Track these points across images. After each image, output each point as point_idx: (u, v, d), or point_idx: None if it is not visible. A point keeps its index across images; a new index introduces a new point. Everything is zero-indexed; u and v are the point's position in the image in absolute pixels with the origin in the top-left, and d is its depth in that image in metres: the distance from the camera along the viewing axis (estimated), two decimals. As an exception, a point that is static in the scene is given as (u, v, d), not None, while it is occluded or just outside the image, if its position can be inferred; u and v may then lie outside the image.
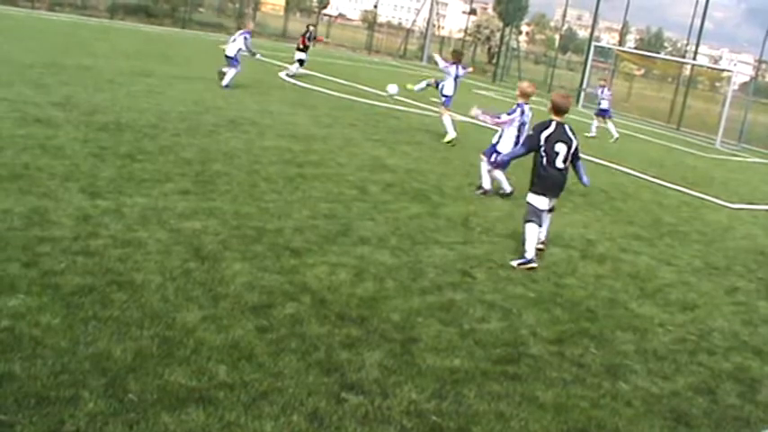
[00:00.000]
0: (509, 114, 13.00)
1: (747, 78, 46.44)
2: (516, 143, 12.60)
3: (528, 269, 9.27)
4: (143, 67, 23.01)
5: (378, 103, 24.56)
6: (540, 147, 9.60)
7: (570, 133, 9.75)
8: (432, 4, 63.26)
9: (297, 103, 20.79)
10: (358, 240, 9.20)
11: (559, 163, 9.66)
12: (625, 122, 37.79)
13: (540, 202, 9.78)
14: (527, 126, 12.94)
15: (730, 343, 8.23)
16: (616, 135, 27.10)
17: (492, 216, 11.71)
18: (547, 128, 9.63)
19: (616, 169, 19.61)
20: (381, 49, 62.21)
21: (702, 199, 17.28)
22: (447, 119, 18.50)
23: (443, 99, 18.42)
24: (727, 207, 17.07)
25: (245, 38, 22.51)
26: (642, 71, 61.39)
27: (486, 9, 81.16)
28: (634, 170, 19.95)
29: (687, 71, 45.41)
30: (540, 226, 9.78)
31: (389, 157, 15.01)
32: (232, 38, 22.91)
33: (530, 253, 9.39)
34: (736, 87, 40.77)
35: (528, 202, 9.86)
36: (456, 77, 18.48)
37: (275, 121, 17.06)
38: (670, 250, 11.80)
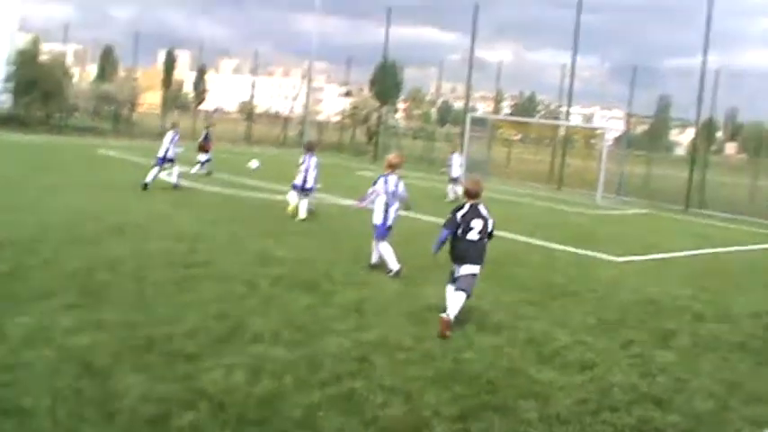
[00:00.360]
0: (373, 185, 14.21)
1: (619, 133, 48.04)
2: (385, 212, 13.94)
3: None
4: (20, 179, 22.55)
5: (262, 195, 24.57)
6: (459, 225, 10.69)
7: (485, 212, 10.94)
8: (307, 91, 63.90)
9: (181, 203, 20.63)
10: (252, 338, 9.08)
11: (473, 235, 10.72)
12: (507, 188, 38.57)
13: (454, 268, 10.78)
14: (396, 196, 14.12)
15: (631, 396, 8.37)
16: (452, 197, 28.08)
17: (384, 298, 11.72)
18: (461, 208, 10.86)
19: (504, 236, 19.91)
20: (261, 139, 62.45)
21: (590, 256, 17.66)
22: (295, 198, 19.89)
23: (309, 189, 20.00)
24: (614, 261, 17.48)
25: (173, 137, 24.63)
26: (519, 136, 63.07)
27: (361, 90, 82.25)
28: (522, 235, 20.30)
29: (562, 131, 46.71)
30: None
31: (277, 248, 14.95)
32: (168, 140, 24.68)
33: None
34: (610, 143, 42.23)
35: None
36: (312, 167, 20.22)
37: (160, 223, 16.86)
38: (563, 311, 11.98)
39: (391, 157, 14.79)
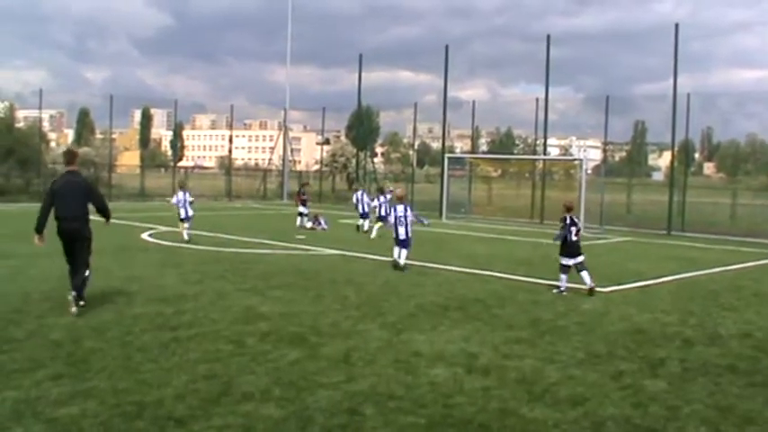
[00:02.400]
0: (405, 212, 21.40)
1: (598, 161, 48.38)
2: (406, 228, 21.24)
3: None
4: (1, 249, 22.48)
5: (245, 249, 24.58)
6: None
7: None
8: (285, 142, 64.04)
9: (163, 264, 20.59)
10: (241, 397, 9.05)
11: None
12: (490, 225, 38.69)
13: None
14: (408, 219, 21.33)
15: (624, 429, 8.38)
16: (372, 236, 29.86)
17: (372, 347, 11.70)
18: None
19: (488, 275, 19.97)
20: (241, 193, 62.47)
21: (575, 289, 17.71)
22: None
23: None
24: (599, 292, 17.52)
25: (184, 196, 27.42)
26: (499, 172, 63.25)
27: (339, 137, 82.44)
28: (505, 273, 20.36)
29: (541, 165, 46.90)
30: None
31: (262, 304, 14.93)
32: (181, 199, 27.40)
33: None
34: (589, 172, 42.46)
35: None
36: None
37: (143, 285, 16.82)
38: (552, 347, 11.99)
39: (398, 191, 23.19)
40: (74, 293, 13.71)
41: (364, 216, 33.43)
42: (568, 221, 17.61)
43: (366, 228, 32.52)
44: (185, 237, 26.58)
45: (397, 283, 18.08)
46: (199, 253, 23.42)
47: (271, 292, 16.31)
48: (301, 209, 34.70)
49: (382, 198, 32.14)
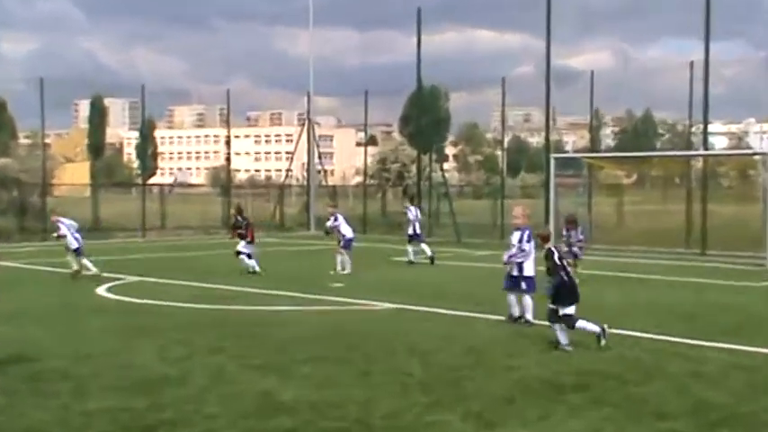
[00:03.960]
0: (519, 242, 21.35)
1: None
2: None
3: None
4: None
5: (254, 306, 24.67)
6: None
7: None
8: (309, 143, 64.07)
9: (130, 330, 20.70)
10: None
11: None
12: (621, 259, 38.38)
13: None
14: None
15: None
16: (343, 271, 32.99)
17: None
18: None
19: (623, 335, 19.83)
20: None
21: (763, 355, 17.48)
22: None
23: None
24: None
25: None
26: (633, 177, 62.75)
27: (389, 134, 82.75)
28: (651, 332, 20.18)
29: (700, 163, 46.30)
30: None
31: (283, 388, 14.94)
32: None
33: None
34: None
35: None
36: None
37: (100, 365, 16.90)
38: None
39: (518, 210, 22.65)
40: None
41: (414, 238, 37.29)
42: (556, 257, 18.95)
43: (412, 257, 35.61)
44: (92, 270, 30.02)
45: (484, 349, 18.02)
46: (185, 313, 23.55)
47: (295, 369, 16.33)
48: (242, 246, 34.64)
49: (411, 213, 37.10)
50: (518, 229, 21.82)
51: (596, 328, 18.29)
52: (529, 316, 21.06)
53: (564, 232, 30.88)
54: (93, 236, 54.96)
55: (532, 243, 21.35)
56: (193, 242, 49.45)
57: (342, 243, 34.01)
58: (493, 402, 13.85)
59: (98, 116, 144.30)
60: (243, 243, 34.29)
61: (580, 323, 18.28)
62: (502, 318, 21.30)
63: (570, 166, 47.67)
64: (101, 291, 28.22)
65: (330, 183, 75.83)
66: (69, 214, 58.47)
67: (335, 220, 34.77)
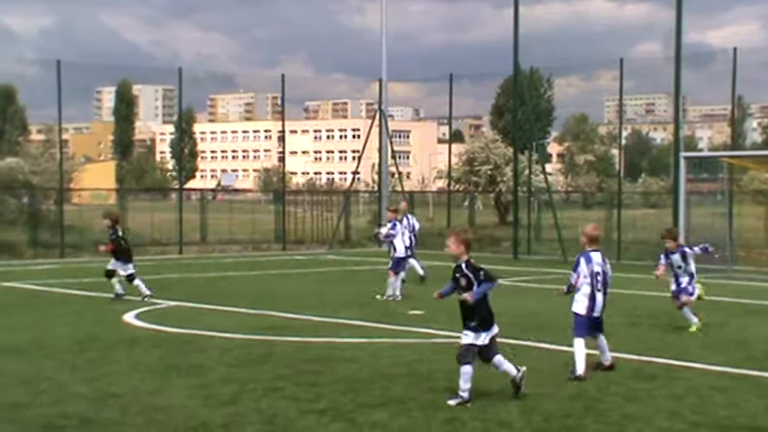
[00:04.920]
0: (575, 269, 20.54)
1: None
2: (592, 299, 20.23)
3: None
4: None
5: (315, 337, 24.72)
6: None
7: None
8: (381, 139, 64.11)
9: (167, 368, 20.78)
10: None
11: None
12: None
13: None
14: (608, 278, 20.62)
15: None
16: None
17: None
18: None
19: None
20: (305, 234, 62.76)
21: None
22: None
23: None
24: None
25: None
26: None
27: (479, 128, 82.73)
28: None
29: None
30: None
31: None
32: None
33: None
34: None
35: None
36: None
37: (128, 410, 16.94)
38: None
39: (589, 228, 20.96)
40: None
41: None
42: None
43: None
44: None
45: (597, 393, 17.92)
46: (232, 346, 23.62)
47: (367, 416, 16.32)
48: (115, 264, 33.42)
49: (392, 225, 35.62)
50: (597, 247, 20.77)
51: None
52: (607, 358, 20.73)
53: (664, 259, 26.90)
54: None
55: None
56: (241, 260, 49.64)
57: (390, 262, 34.10)
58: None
59: (125, 107, 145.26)
60: (116, 261, 33.18)
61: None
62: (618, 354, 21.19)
63: (705, 168, 47.30)
64: (130, 318, 28.32)
65: (406, 188, 75.91)
66: (95, 226, 59.56)
67: (393, 227, 34.95)
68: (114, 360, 21.76)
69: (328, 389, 18.44)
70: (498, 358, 17.91)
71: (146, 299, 31.82)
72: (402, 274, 34.21)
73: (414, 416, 16.36)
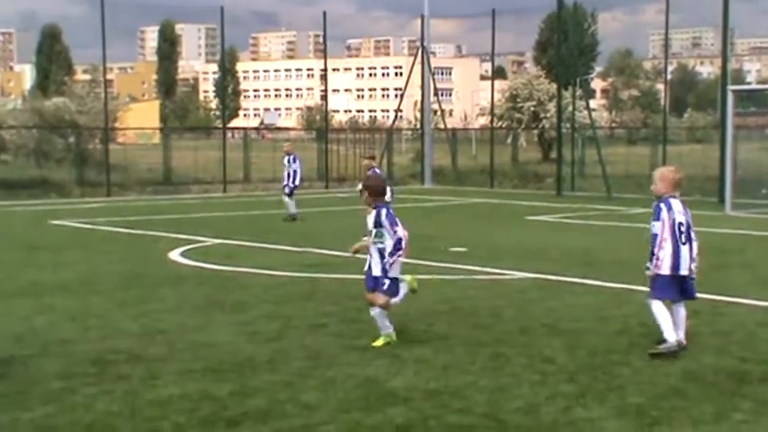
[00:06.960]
0: (655, 220, 16.64)
1: None
2: (676, 257, 16.47)
3: None
4: None
5: (358, 275, 24.62)
6: None
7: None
8: (423, 76, 63.97)
9: (210, 304, 20.85)
10: None
11: None
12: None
13: None
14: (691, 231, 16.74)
15: None
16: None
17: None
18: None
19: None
20: (347, 173, 62.69)
21: None
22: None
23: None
24: None
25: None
26: None
27: (522, 64, 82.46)
28: None
29: None
30: None
31: (394, 373, 14.93)
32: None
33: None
34: None
35: None
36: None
37: (175, 345, 16.98)
38: None
39: (669, 171, 17.26)
40: None
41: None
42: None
43: None
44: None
45: (642, 329, 17.80)
46: (275, 283, 23.63)
47: (410, 352, 16.30)
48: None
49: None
50: (675, 194, 17.13)
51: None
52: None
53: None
54: (165, 190, 55.75)
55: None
56: (280, 196, 49.66)
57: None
58: (654, 396, 13.66)
59: (168, 46, 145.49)
60: None
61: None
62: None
63: (754, 102, 46.84)
64: (175, 255, 28.41)
65: (449, 125, 75.58)
66: (140, 166, 59.76)
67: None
68: (160, 297, 21.85)
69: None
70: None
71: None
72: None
73: (457, 352, 16.33)
